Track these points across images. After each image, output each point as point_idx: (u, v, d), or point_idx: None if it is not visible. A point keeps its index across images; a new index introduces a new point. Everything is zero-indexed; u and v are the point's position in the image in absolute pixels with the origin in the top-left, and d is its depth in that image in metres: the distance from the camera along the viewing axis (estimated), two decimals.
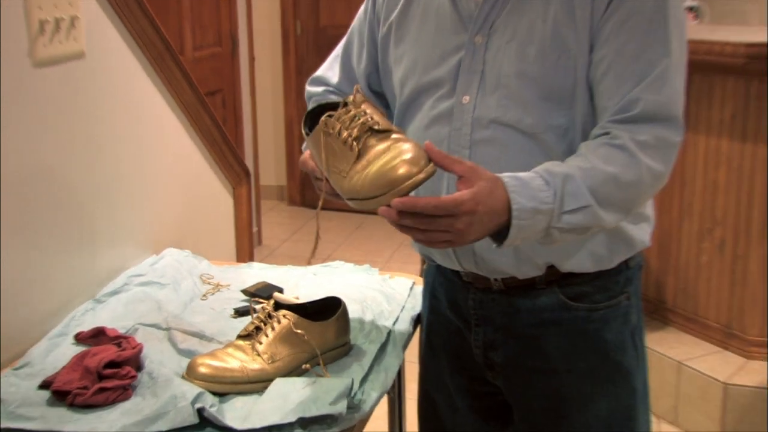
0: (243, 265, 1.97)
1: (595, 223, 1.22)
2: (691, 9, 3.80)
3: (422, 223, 1.11)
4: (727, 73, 2.80)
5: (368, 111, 1.21)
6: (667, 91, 1.26)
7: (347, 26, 1.60)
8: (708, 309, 3.02)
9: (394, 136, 1.18)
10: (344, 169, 1.18)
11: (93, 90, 1.75)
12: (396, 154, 1.13)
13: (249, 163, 4.85)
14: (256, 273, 1.88)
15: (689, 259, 3.05)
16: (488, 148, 1.34)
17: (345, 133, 1.19)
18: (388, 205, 1.11)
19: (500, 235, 1.17)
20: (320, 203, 1.35)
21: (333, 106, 1.25)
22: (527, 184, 1.16)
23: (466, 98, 1.36)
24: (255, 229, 4.89)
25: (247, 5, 4.80)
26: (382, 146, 1.16)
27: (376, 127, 1.18)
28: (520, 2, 1.33)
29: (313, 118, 1.29)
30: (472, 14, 1.36)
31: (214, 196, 2.28)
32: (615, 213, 1.24)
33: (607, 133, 1.26)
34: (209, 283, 1.81)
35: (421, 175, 1.12)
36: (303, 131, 1.30)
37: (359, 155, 1.17)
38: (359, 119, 1.19)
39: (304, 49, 5.55)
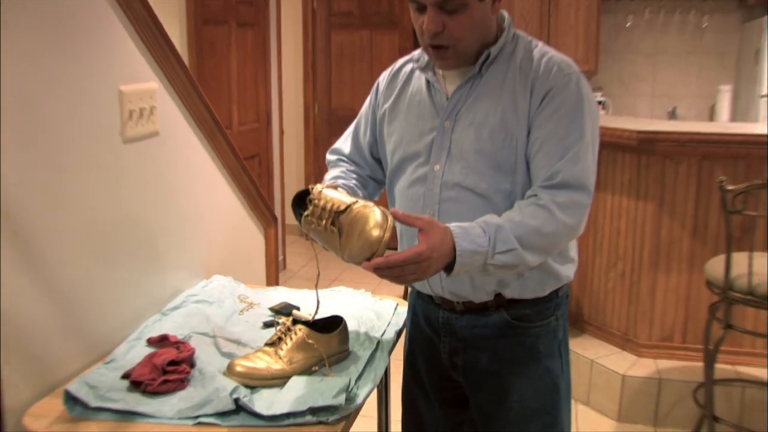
0: (270, 288, 1.94)
1: (521, 262, 1.21)
2: (600, 103, 3.85)
3: (395, 271, 1.12)
4: (624, 150, 2.82)
5: (329, 197, 1.21)
6: (580, 166, 1.26)
7: (352, 108, 1.61)
8: (612, 321, 3.01)
9: (354, 207, 1.18)
10: (336, 246, 1.19)
11: (164, 158, 1.73)
12: (364, 222, 1.15)
13: (277, 208, 4.83)
14: (280, 295, 1.85)
15: (600, 285, 3.04)
16: (453, 205, 1.33)
17: (323, 223, 1.20)
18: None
19: (450, 268, 1.17)
20: (317, 278, 1.44)
21: (305, 193, 1.26)
22: (468, 231, 1.17)
23: (437, 167, 1.35)
24: (281, 257, 4.85)
25: (279, 91, 4.81)
26: (350, 217, 1.17)
27: (339, 209, 1.19)
28: (478, 98, 1.33)
29: (299, 198, 1.31)
30: (444, 105, 1.36)
31: (250, 235, 2.25)
32: (537, 255, 1.23)
33: (535, 195, 1.25)
34: (245, 302, 1.78)
35: (387, 234, 1.15)
36: (294, 216, 1.30)
37: (340, 233, 1.18)
38: (327, 208, 1.20)
39: (320, 124, 5.54)
